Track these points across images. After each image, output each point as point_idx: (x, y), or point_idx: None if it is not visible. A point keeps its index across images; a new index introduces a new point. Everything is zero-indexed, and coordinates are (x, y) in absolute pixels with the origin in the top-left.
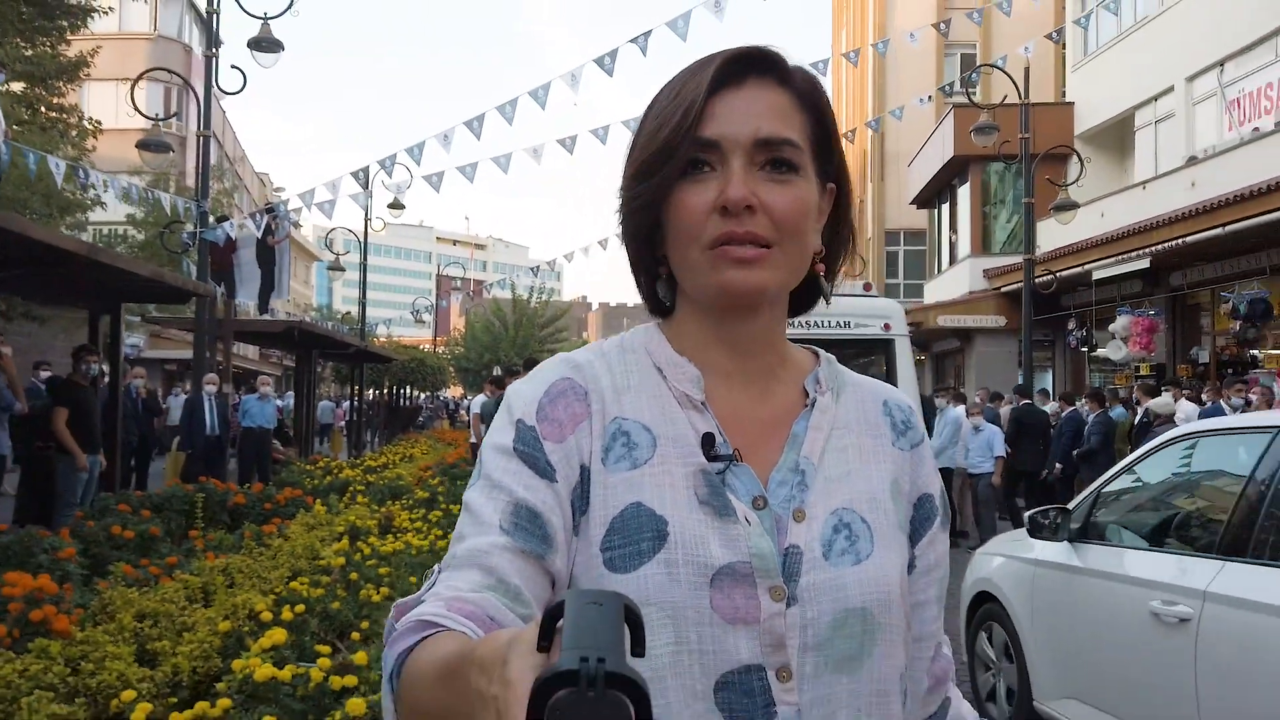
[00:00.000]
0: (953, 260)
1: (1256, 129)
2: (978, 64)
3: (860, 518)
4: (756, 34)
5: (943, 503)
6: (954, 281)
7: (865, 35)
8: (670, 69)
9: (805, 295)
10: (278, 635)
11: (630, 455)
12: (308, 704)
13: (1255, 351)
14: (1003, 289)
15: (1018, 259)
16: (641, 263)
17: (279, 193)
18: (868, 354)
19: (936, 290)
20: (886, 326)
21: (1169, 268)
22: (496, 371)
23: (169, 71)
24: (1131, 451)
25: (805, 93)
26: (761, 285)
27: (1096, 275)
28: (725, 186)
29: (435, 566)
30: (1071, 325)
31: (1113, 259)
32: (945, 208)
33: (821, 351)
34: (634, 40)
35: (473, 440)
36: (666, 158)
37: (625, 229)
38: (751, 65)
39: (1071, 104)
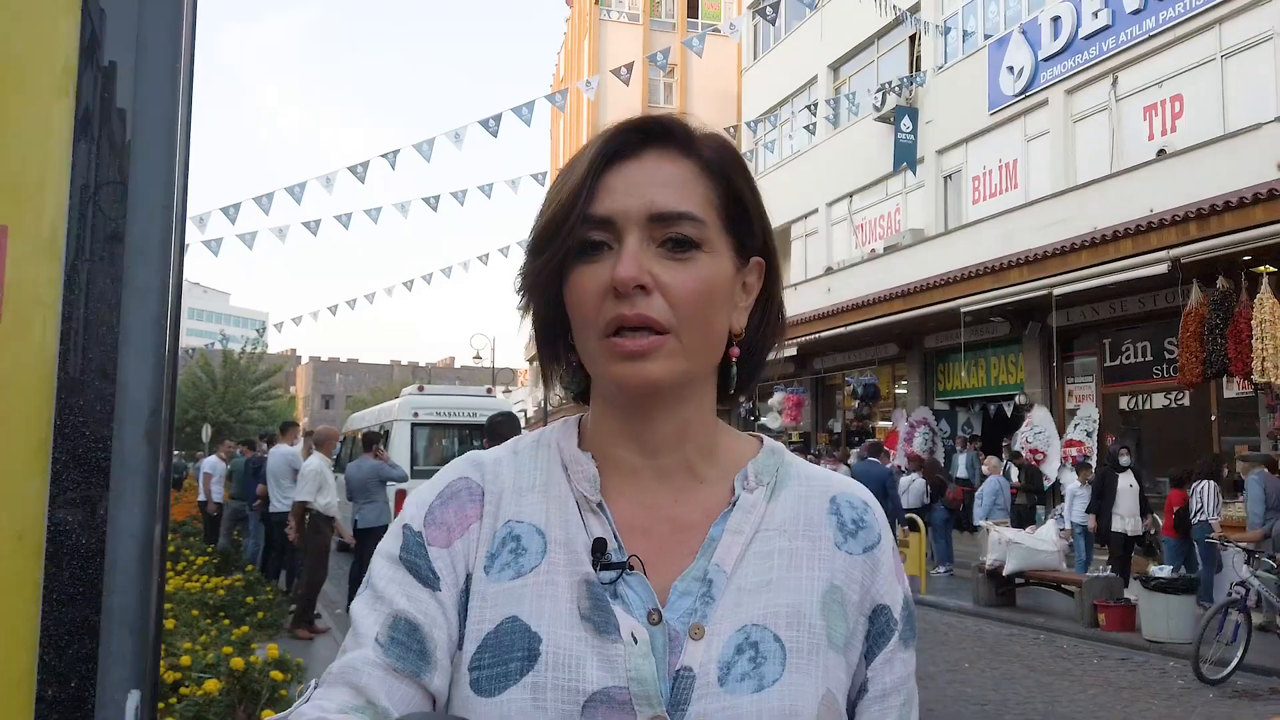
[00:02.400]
0: None
1: (873, 250)
2: None
3: (773, 635)
4: (488, 160)
5: (905, 616)
6: None
7: (579, 118)
8: (413, 175)
9: (742, 377)
10: None
11: (516, 563)
12: None
13: (870, 424)
14: None
15: None
16: (550, 350)
17: None
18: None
19: None
20: None
21: (812, 354)
22: (207, 433)
23: None
24: None
25: (713, 161)
26: (655, 379)
27: None
28: (616, 265)
29: (312, 681)
30: (741, 399)
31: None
32: None
33: (769, 440)
34: (384, 155)
35: (201, 499)
36: (555, 235)
37: (528, 311)
38: (650, 136)
39: None
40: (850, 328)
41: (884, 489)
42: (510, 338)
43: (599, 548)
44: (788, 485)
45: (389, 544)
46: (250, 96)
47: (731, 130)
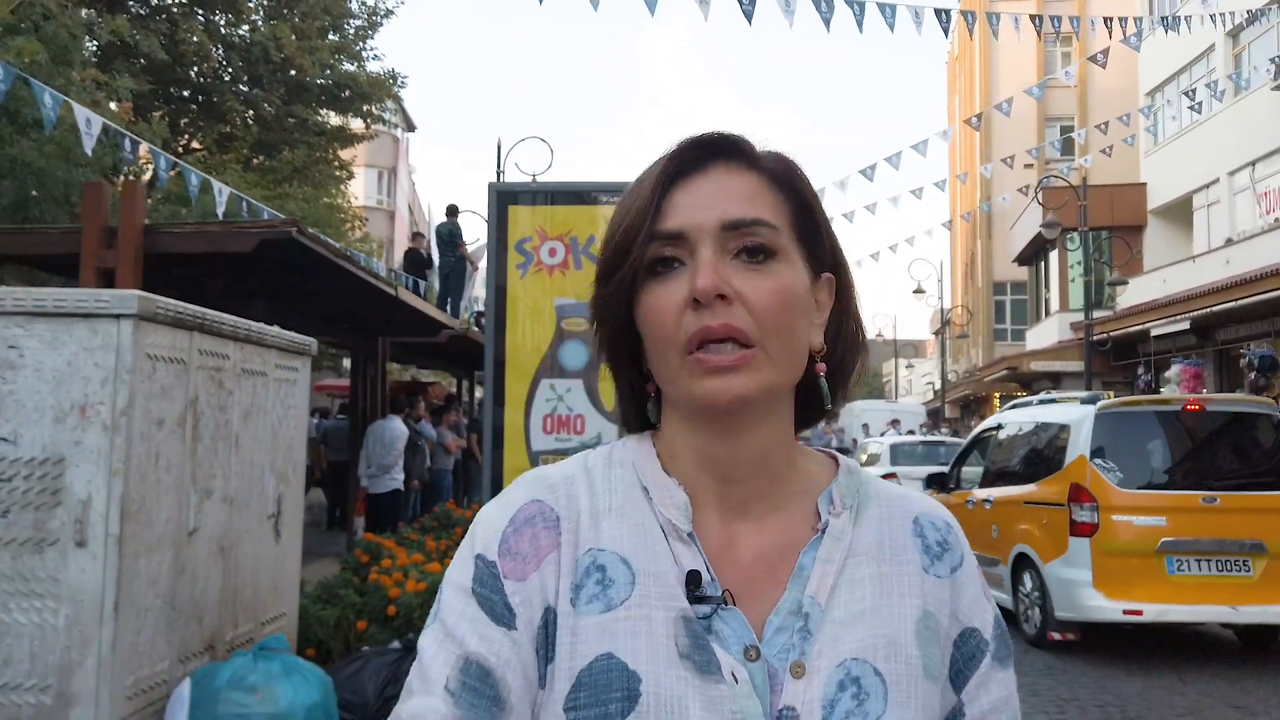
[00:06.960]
0: (1046, 313)
1: (1278, 219)
2: (1075, 130)
3: (874, 669)
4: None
5: (998, 635)
6: (1047, 331)
7: (973, 105)
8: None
9: (811, 402)
10: None
11: (605, 594)
12: None
13: (1273, 395)
14: (1084, 340)
15: (1096, 315)
16: (626, 380)
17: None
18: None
19: (1035, 338)
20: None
21: (1213, 326)
22: None
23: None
24: None
25: (779, 174)
26: (745, 393)
27: (1153, 332)
28: (694, 277)
29: None
30: (1140, 371)
31: (1164, 320)
32: (1041, 266)
33: (842, 458)
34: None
35: None
36: (625, 256)
37: (599, 340)
38: (716, 150)
39: (1144, 184)
40: (1240, 302)
41: None
42: (911, 315)
43: (694, 580)
44: (869, 506)
45: (459, 574)
46: (662, 96)
47: (1124, 119)
